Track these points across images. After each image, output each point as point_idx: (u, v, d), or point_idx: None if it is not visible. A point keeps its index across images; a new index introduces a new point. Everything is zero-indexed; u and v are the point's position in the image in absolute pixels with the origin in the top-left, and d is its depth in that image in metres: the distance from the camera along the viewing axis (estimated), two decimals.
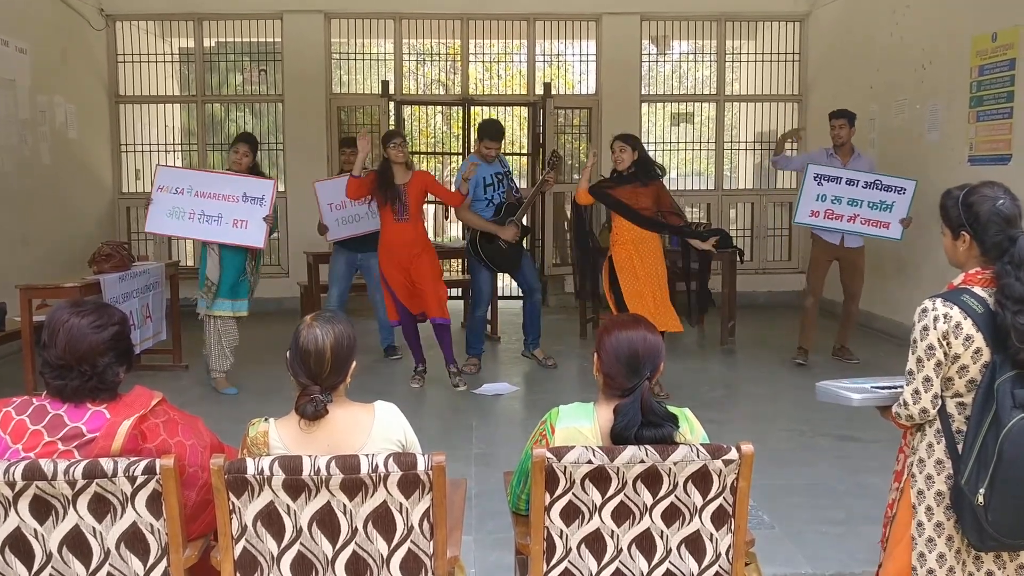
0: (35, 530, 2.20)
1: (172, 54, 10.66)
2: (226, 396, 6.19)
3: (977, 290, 2.45)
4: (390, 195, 6.11)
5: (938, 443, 2.50)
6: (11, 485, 2.16)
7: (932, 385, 2.46)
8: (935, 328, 2.42)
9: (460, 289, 8.88)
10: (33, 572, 2.22)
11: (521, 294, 7.51)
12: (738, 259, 7.87)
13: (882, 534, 2.72)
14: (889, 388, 2.63)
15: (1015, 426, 2.30)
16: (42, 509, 2.19)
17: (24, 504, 2.18)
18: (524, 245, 7.29)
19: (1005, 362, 2.36)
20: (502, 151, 6.99)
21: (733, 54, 10.67)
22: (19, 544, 2.21)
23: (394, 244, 6.18)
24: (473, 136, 10.44)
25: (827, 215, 6.85)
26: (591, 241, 7.84)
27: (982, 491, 2.34)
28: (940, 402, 2.48)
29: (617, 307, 5.98)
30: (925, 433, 2.54)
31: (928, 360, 2.44)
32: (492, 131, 6.83)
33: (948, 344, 2.42)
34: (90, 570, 2.23)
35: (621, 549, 2.33)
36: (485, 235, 6.81)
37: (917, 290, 7.16)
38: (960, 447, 2.44)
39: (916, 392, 2.48)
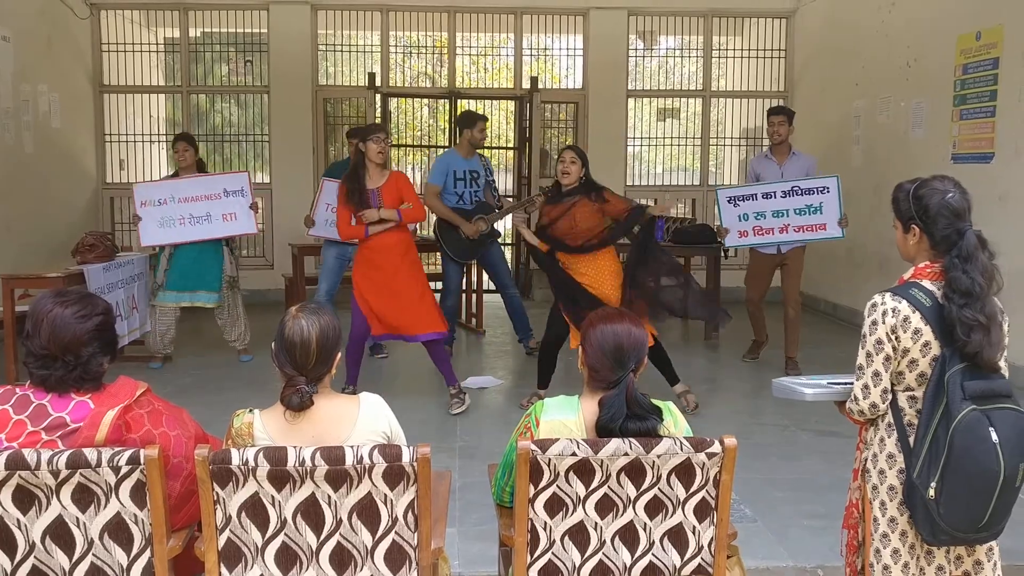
0: (18, 520, 2.20)
1: (157, 44, 10.59)
2: (211, 387, 6.20)
3: (926, 283, 2.46)
4: (362, 205, 5.35)
5: (889, 437, 2.51)
6: None
7: (881, 380, 2.47)
8: (883, 322, 2.43)
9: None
10: (15, 562, 2.22)
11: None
12: (722, 255, 7.89)
13: (848, 535, 2.67)
14: (844, 384, 2.64)
15: (965, 418, 2.30)
16: (25, 499, 2.18)
17: (7, 494, 2.17)
18: (498, 241, 7.39)
19: (954, 355, 2.37)
20: (485, 152, 7.01)
21: (720, 50, 10.70)
22: (1, 534, 2.20)
23: (372, 251, 5.43)
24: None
25: (756, 232, 6.43)
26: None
27: (933, 484, 2.34)
28: (890, 397, 2.49)
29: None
30: (878, 427, 2.54)
31: (877, 355, 2.45)
32: (475, 115, 7.02)
33: (897, 338, 2.43)
34: (73, 560, 2.23)
35: (604, 541, 2.34)
36: (448, 224, 6.89)
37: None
38: (912, 440, 2.45)
39: (865, 387, 2.49)
